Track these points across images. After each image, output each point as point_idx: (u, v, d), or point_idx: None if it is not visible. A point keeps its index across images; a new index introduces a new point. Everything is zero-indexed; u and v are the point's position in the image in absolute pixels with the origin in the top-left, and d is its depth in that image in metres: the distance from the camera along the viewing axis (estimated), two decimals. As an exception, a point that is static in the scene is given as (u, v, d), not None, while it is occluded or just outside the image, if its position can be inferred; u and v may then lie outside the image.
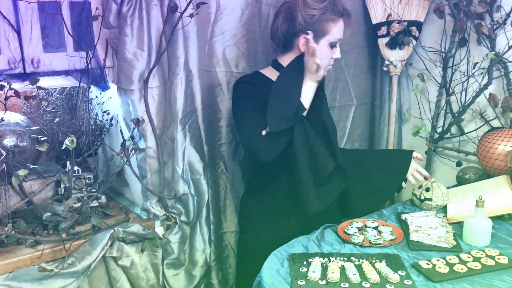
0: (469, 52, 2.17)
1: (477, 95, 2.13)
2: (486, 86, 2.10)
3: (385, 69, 2.40)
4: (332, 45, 1.76)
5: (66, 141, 1.57)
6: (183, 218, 1.97)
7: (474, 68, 2.12)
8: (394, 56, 2.33)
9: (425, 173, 1.92)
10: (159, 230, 1.94)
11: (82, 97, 2.13)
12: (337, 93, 2.39)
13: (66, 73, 1.82)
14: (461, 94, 2.21)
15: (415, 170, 1.91)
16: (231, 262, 2.18)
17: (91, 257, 1.70)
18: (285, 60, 1.83)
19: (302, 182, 1.71)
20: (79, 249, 1.71)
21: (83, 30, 1.81)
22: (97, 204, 2.00)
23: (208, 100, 1.98)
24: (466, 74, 2.17)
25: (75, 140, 1.60)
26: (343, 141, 2.45)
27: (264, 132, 1.63)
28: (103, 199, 2.04)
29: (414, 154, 1.93)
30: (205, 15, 1.89)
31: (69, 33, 1.73)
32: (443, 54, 2.26)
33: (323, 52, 1.74)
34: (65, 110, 2.08)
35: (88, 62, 1.77)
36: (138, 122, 1.79)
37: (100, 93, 2.12)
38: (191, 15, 1.71)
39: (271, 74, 1.84)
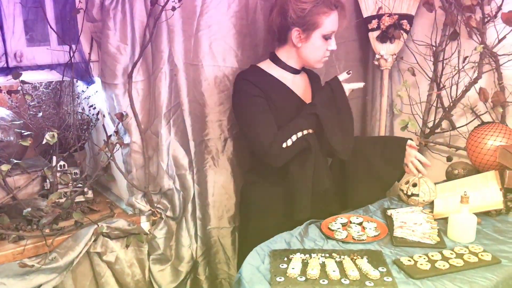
0: (460, 45, 2.14)
1: (467, 89, 2.11)
2: (476, 80, 2.07)
3: (376, 63, 2.37)
4: (326, 37, 1.77)
5: (47, 136, 1.56)
6: (169, 213, 1.95)
7: (464, 62, 2.10)
8: (385, 50, 2.30)
9: (425, 160, 1.90)
10: (145, 225, 1.93)
11: (69, 91, 2.12)
12: (328, 87, 2.37)
13: (50, 67, 1.81)
14: (450, 89, 2.19)
15: (413, 157, 1.90)
16: (221, 258, 2.16)
17: (74, 253, 1.69)
18: (282, 53, 1.85)
19: (301, 191, 1.78)
20: (62, 244, 1.70)
21: (66, 24, 1.80)
22: (83, 199, 1.99)
23: (195, 94, 1.96)
24: (456, 68, 2.15)
25: (56, 135, 1.58)
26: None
27: (284, 145, 1.71)
28: (90, 194, 2.02)
29: (409, 142, 1.92)
30: (190, 8, 1.87)
31: (50, 26, 1.71)
32: (434, 48, 2.23)
33: (316, 44, 1.77)
34: (50, 105, 2.07)
35: (71, 56, 1.76)
36: (122, 116, 1.78)
37: (87, 88, 2.10)
38: (173, 8, 1.69)
39: (269, 67, 1.86)
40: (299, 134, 1.73)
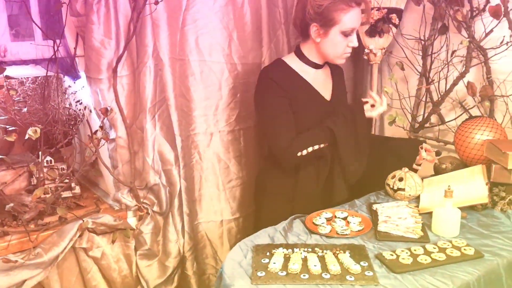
0: (449, 39, 2.13)
1: (455, 83, 2.10)
2: (463, 74, 2.06)
3: (365, 57, 2.36)
4: (346, 34, 1.76)
5: (29, 131, 1.55)
6: (155, 208, 1.95)
7: (452, 56, 2.09)
8: (374, 44, 2.29)
9: (430, 159, 1.93)
10: (132, 220, 1.93)
11: (55, 86, 2.10)
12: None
13: (35, 62, 1.80)
14: (439, 83, 2.18)
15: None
16: (208, 253, 2.17)
17: (59, 248, 1.68)
18: (305, 47, 1.87)
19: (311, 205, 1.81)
20: (47, 240, 1.70)
21: (51, 19, 1.79)
22: (70, 195, 1.98)
23: (181, 89, 1.95)
24: (445, 62, 2.14)
25: (38, 130, 1.57)
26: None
27: (299, 154, 1.76)
28: (77, 189, 2.02)
29: (424, 145, 1.95)
30: (175, 3, 1.86)
31: (33, 21, 1.70)
32: (423, 42, 2.22)
33: (335, 40, 1.77)
34: (36, 100, 2.06)
35: (55, 50, 1.75)
36: (106, 111, 1.77)
37: (74, 83, 2.09)
38: (156, 2, 1.68)
39: (292, 61, 1.87)
40: (316, 146, 1.77)
